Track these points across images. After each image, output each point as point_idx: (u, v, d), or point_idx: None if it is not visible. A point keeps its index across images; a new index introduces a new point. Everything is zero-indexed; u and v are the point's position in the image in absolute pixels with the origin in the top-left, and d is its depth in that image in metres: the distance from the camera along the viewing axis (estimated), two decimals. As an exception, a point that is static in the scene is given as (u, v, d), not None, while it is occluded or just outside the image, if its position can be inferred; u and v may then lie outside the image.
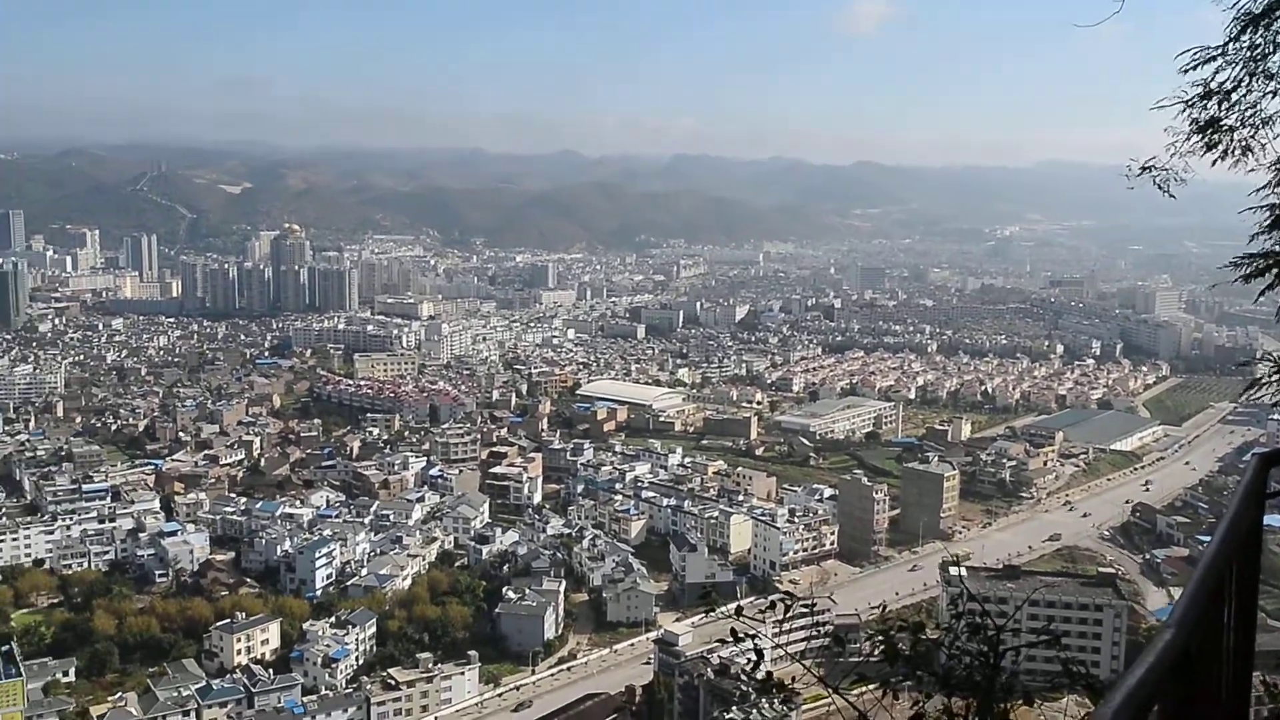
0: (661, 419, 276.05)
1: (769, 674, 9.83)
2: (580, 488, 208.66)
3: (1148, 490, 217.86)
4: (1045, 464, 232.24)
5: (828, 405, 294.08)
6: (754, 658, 9.96)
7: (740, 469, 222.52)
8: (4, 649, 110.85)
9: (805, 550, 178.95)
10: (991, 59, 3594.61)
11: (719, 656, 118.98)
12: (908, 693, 9.72)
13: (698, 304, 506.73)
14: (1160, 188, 11.74)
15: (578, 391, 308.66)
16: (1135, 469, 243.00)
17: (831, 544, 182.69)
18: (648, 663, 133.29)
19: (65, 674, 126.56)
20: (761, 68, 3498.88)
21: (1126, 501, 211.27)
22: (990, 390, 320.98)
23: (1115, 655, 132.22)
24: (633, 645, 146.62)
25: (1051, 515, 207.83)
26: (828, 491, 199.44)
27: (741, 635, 9.46)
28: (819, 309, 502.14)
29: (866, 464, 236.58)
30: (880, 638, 9.16)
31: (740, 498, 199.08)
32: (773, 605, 9.85)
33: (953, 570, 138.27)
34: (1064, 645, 9.49)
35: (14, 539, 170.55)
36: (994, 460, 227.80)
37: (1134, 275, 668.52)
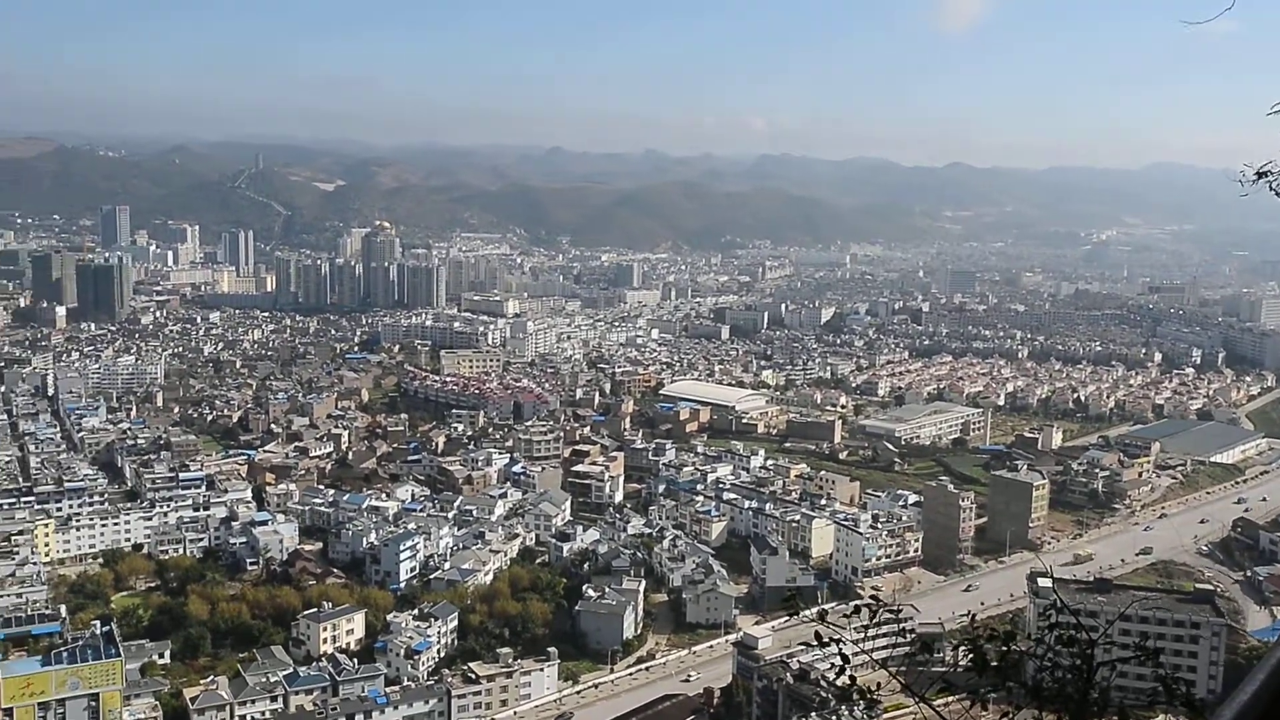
0: (744, 420, 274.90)
1: (853, 679, 9.64)
2: (662, 488, 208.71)
3: (1245, 510, 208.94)
4: (1140, 475, 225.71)
5: (913, 410, 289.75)
6: (838, 663, 9.77)
7: (823, 473, 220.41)
8: (105, 629, 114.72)
9: (888, 557, 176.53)
10: (1093, 57, 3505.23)
11: (799, 661, 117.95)
12: (995, 704, 9.42)
13: (783, 305, 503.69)
14: (1277, 193, 11.27)
15: (661, 391, 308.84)
16: (1237, 482, 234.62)
17: (915, 551, 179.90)
18: (727, 665, 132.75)
19: (161, 656, 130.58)
20: (850, 66, 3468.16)
21: (1245, 508, 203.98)
22: (1083, 398, 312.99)
23: (1213, 675, 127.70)
24: (711, 647, 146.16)
25: (1145, 528, 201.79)
26: (912, 498, 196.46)
27: (826, 640, 9.28)
28: (906, 312, 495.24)
29: (953, 471, 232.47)
30: (968, 646, 8.89)
31: (823, 502, 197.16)
32: (858, 610, 9.64)
33: (1040, 581, 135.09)
34: (1159, 662, 9.12)
35: (115, 524, 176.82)
36: (1086, 470, 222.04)
37: (1239, 282, 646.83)
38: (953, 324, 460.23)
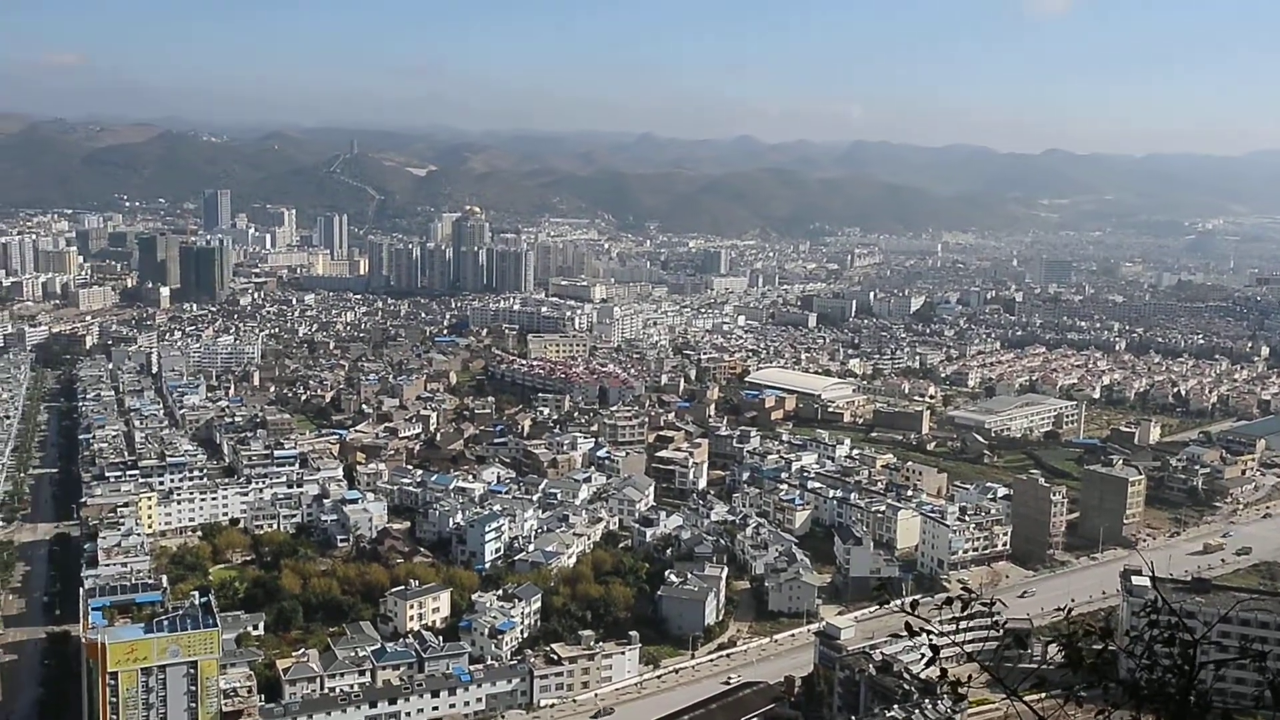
0: (830, 409, 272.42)
1: (944, 670, 9.40)
2: (745, 475, 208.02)
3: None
4: (1243, 473, 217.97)
5: (1005, 402, 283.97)
6: (927, 654, 9.54)
7: (910, 463, 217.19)
8: (203, 600, 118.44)
9: (976, 550, 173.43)
10: (1199, 41, 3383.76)
11: (882, 652, 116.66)
12: (1090, 702, 9.12)
13: (871, 294, 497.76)
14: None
15: (746, 378, 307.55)
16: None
17: (1004, 545, 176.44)
18: (808, 655, 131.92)
19: (255, 627, 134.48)
20: (945, 51, 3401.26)
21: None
22: (1183, 392, 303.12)
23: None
24: (793, 636, 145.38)
25: (1248, 528, 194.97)
26: (1001, 490, 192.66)
27: (917, 630, 9.06)
28: (999, 302, 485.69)
29: (1044, 464, 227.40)
30: (1063, 643, 8.61)
31: (909, 492, 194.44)
32: (949, 602, 9.40)
33: (1134, 580, 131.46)
34: (1264, 666, 8.72)
35: (213, 499, 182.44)
36: (1185, 466, 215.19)
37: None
38: (1047, 314, 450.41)
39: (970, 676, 11.35)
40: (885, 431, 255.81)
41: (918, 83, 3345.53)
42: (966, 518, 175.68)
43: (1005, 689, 8.65)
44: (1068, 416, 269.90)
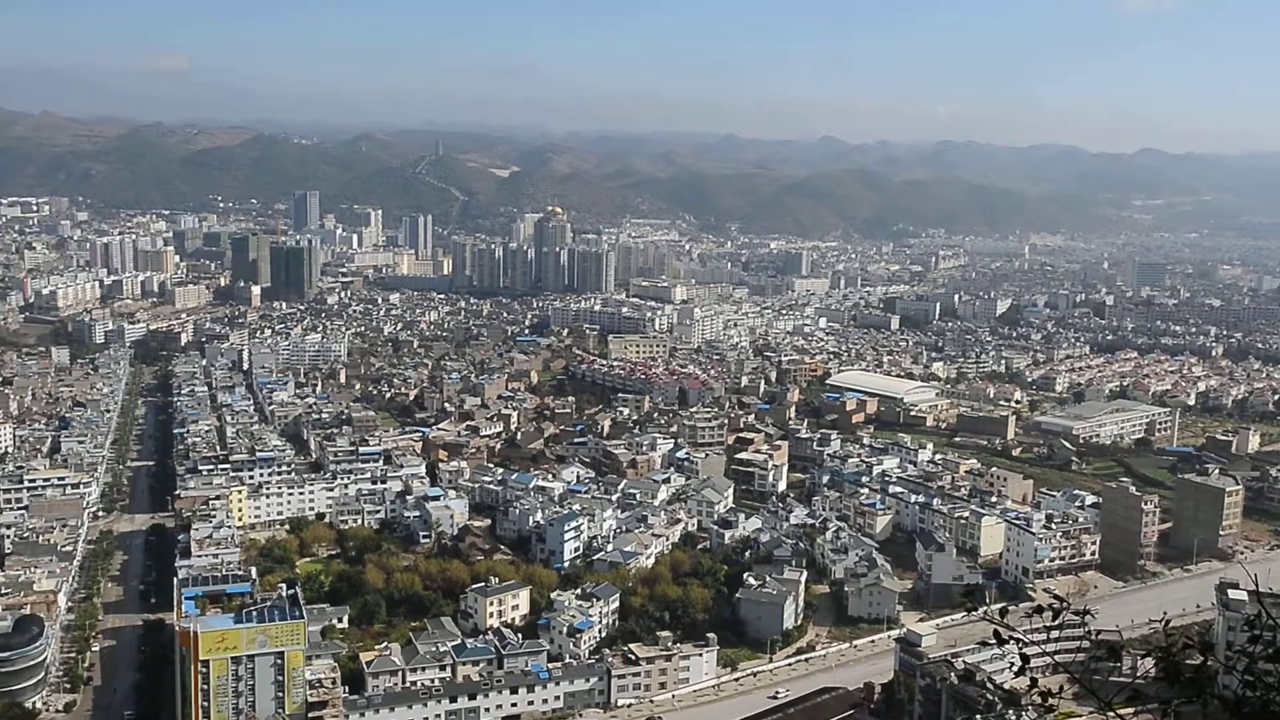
0: (913, 413, 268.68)
1: (1033, 680, 9.19)
2: (826, 478, 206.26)
3: None
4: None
5: (1094, 407, 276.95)
6: (1016, 663, 9.34)
7: (994, 469, 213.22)
8: (290, 592, 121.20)
9: (1062, 559, 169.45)
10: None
11: (964, 661, 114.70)
12: (1188, 717, 8.84)
13: (956, 296, 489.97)
14: None
15: (827, 381, 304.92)
16: None
17: (1092, 554, 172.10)
18: (889, 661, 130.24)
19: (339, 620, 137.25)
20: (1036, 49, 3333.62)
21: None
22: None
23: None
24: (873, 642, 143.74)
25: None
26: (1090, 499, 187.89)
27: (1006, 639, 8.88)
28: (1088, 305, 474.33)
29: (1135, 472, 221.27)
30: (1159, 656, 8.36)
31: (993, 499, 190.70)
32: (1039, 611, 9.17)
33: (1231, 593, 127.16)
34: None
35: (300, 493, 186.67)
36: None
37: None
38: (1139, 318, 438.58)
39: (1061, 687, 11.08)
40: (969, 436, 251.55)
41: (1007, 81, 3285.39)
42: (1053, 525, 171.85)
43: (1099, 701, 8.41)
44: (1160, 424, 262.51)
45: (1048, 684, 10.67)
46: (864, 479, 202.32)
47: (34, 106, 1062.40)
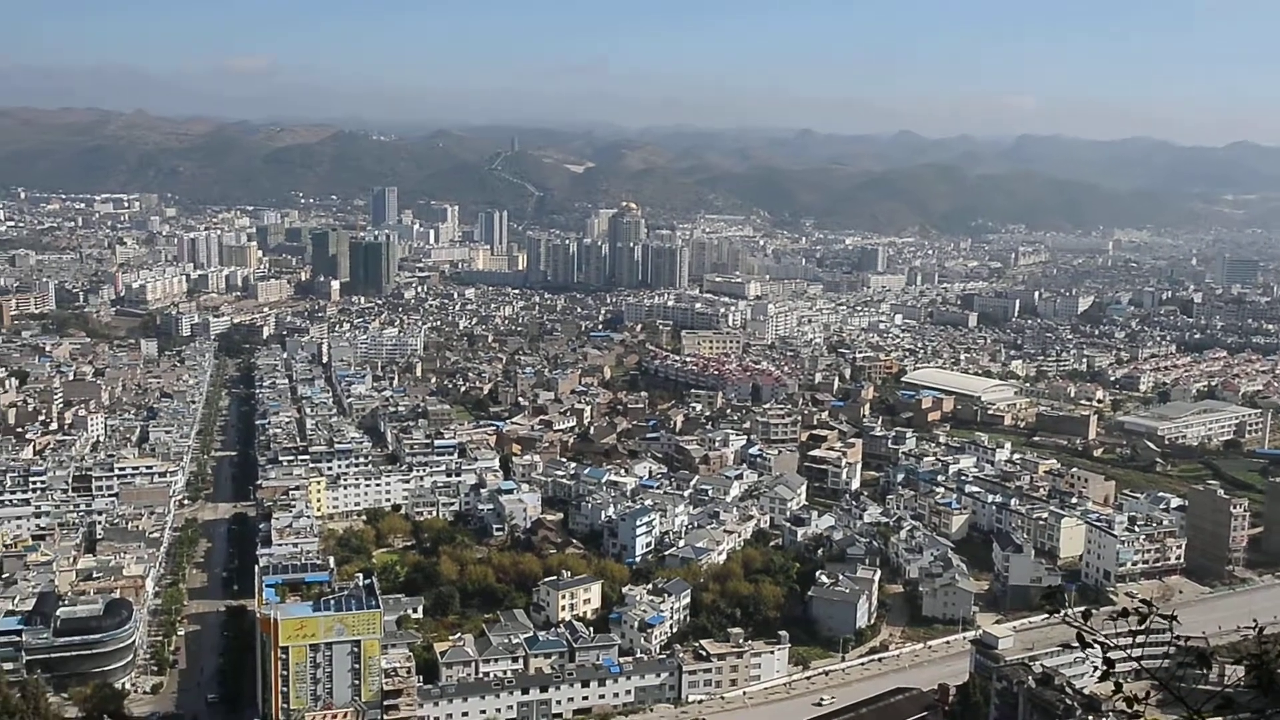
0: (990, 411, 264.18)
1: (1118, 685, 8.90)
2: (900, 477, 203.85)
3: None
4: None
5: (1180, 408, 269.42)
6: (1097, 667, 9.05)
7: (1075, 469, 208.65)
8: (367, 582, 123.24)
9: (1146, 562, 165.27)
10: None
11: (1042, 664, 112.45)
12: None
13: (1036, 293, 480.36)
14: None
15: (903, 378, 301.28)
16: None
17: (1177, 558, 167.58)
18: (964, 663, 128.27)
19: (414, 611, 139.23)
20: (1122, 40, 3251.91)
21: None
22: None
23: None
24: (948, 643, 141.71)
25: None
26: (1175, 501, 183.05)
27: (1090, 642, 8.60)
28: (1175, 303, 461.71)
29: (1224, 475, 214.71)
30: (1253, 663, 8.03)
31: (1073, 500, 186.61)
32: (1124, 614, 8.88)
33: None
34: None
35: (377, 485, 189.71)
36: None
37: None
38: (1229, 317, 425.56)
39: (1148, 693, 10.73)
40: (1049, 436, 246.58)
41: (1092, 73, 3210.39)
42: (1136, 528, 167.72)
43: (1187, 708, 8.11)
44: (1251, 425, 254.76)
45: (1133, 690, 10.33)
46: (940, 478, 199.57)
47: (128, 106, 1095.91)
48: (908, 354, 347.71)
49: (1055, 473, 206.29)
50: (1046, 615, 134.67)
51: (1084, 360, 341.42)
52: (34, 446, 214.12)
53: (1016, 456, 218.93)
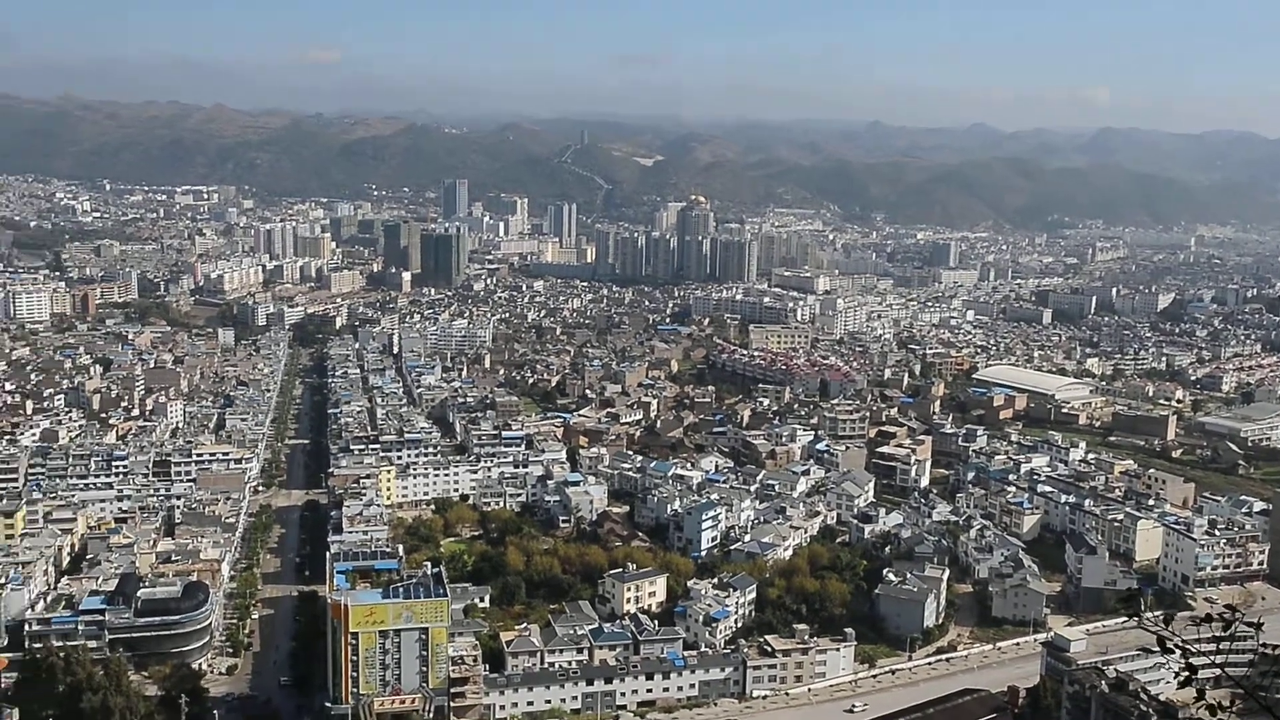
0: (1064, 410, 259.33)
1: (1200, 692, 8.68)
2: (971, 475, 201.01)
3: None
4: None
5: (1265, 409, 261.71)
6: (1177, 673, 8.86)
7: (1152, 471, 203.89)
8: (435, 571, 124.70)
9: (1226, 567, 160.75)
10: None
11: (1116, 669, 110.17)
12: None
13: (1114, 290, 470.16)
14: None
15: (974, 375, 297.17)
16: None
17: (1260, 564, 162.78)
18: (1034, 665, 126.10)
19: (481, 600, 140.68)
20: (1207, 28, 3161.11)
21: None
22: None
23: None
24: (1018, 645, 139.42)
25: None
26: (1258, 505, 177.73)
27: (1171, 647, 8.40)
28: (1261, 301, 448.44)
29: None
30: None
31: (1150, 501, 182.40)
32: (1207, 620, 8.66)
33: None
34: None
35: (446, 474, 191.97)
36: None
37: None
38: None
39: (1234, 700, 10.46)
40: (1125, 436, 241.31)
41: (1175, 64, 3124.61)
42: (1217, 532, 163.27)
43: (1274, 718, 7.91)
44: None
45: (1216, 697, 10.05)
46: (1011, 477, 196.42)
47: (207, 100, 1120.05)
48: (979, 351, 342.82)
49: (1132, 474, 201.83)
50: (1123, 619, 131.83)
51: (1163, 359, 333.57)
52: (117, 432, 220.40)
53: (1091, 456, 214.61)
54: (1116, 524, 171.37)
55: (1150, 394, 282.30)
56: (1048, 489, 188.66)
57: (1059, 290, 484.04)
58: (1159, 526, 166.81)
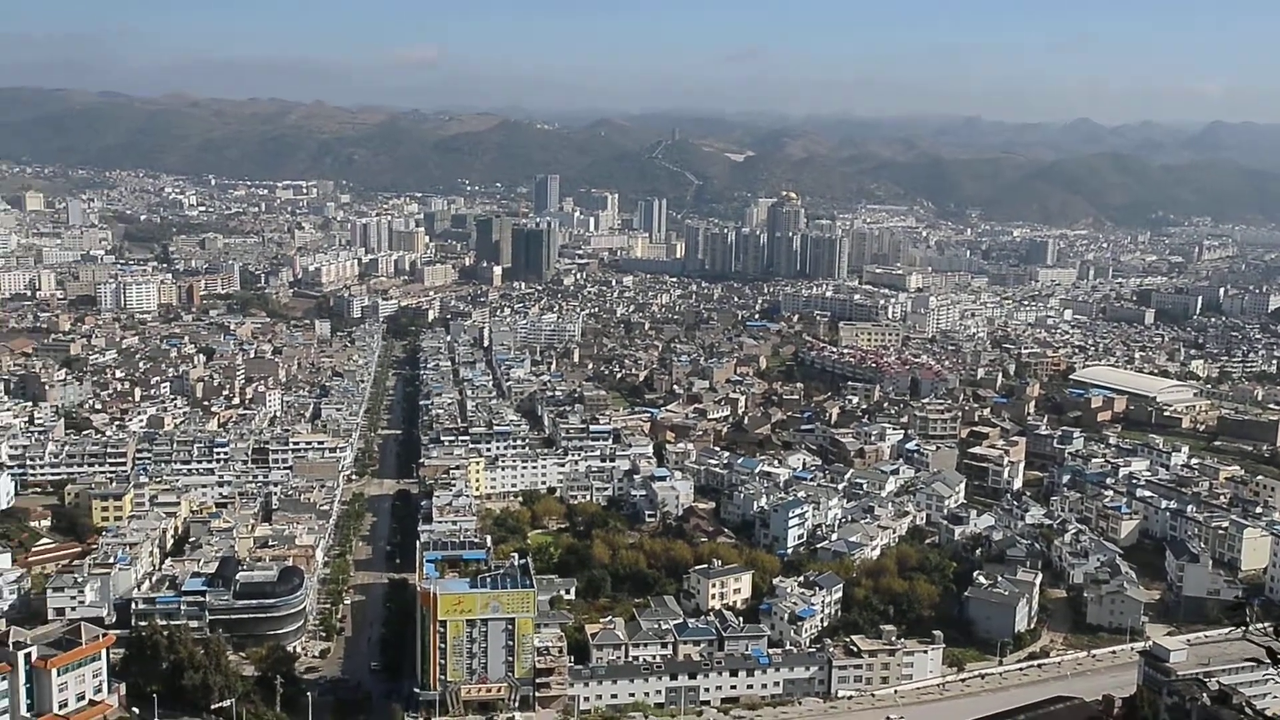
0: (1166, 413, 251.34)
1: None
2: (1066, 478, 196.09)
3: None
4: None
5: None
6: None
7: (1261, 477, 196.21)
8: (522, 562, 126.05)
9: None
10: None
11: (1219, 681, 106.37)
12: None
13: (1221, 289, 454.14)
14: None
15: (1071, 376, 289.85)
16: None
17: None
18: (1131, 675, 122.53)
19: (567, 592, 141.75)
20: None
21: None
22: None
23: None
24: (1114, 653, 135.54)
25: None
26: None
27: (1285, 659, 8.01)
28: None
29: None
30: None
31: (1258, 509, 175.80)
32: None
33: None
34: None
35: (533, 467, 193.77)
36: None
37: None
38: None
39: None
40: (1231, 441, 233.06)
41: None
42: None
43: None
44: None
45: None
46: (1109, 480, 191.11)
47: (307, 97, 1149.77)
48: (1077, 351, 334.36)
49: (1238, 480, 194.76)
50: (1227, 629, 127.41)
51: (1273, 361, 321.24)
52: (218, 419, 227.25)
53: (1195, 461, 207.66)
54: (1221, 531, 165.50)
55: (1259, 397, 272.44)
56: (1148, 494, 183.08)
57: (1163, 290, 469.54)
58: (1267, 535, 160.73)
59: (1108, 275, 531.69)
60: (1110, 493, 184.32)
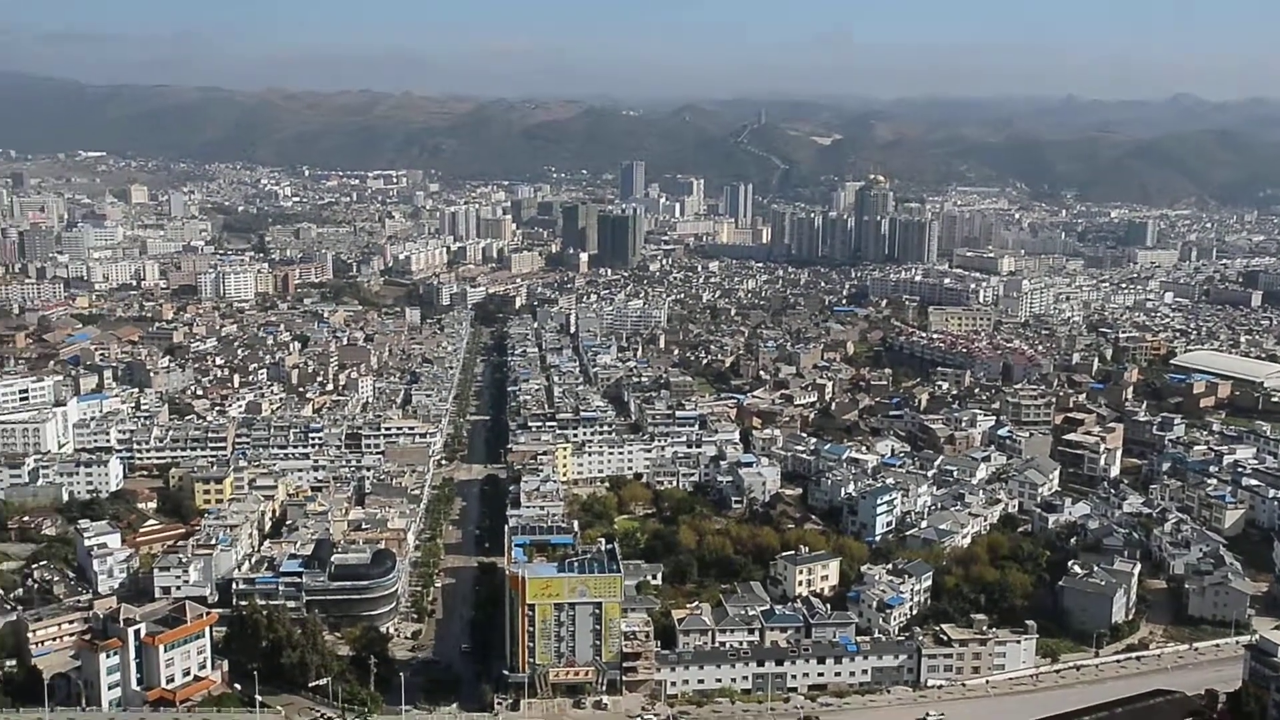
0: (1275, 399, 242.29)
1: None
2: (1166, 466, 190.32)
3: None
4: None
5: None
6: None
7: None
8: (609, 547, 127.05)
9: None
10: None
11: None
12: None
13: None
14: None
15: (1171, 361, 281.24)
16: None
17: None
18: (1236, 669, 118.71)
19: (653, 577, 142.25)
20: None
21: None
22: None
23: None
24: (1217, 646, 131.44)
25: None
26: None
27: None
28: None
29: None
30: None
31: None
32: None
33: None
34: None
35: (620, 453, 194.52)
36: None
37: None
38: None
39: None
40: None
41: None
42: None
43: None
44: None
45: None
46: (1212, 468, 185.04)
47: (396, 88, 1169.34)
48: (1178, 335, 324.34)
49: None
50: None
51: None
52: (313, 405, 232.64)
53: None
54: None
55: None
56: (1254, 482, 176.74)
57: (1271, 270, 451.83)
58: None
59: (1211, 256, 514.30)
60: (1214, 481, 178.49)
